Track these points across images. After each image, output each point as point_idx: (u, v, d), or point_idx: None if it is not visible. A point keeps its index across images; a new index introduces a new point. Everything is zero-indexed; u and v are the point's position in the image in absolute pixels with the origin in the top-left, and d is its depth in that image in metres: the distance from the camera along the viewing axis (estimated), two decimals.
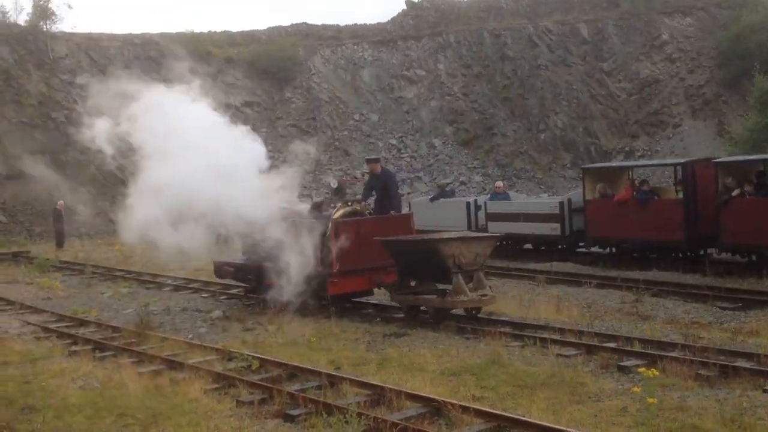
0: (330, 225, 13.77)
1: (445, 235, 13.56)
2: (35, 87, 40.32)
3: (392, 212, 15.04)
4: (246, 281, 15.90)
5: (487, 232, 22.57)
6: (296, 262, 13.68)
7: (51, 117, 39.51)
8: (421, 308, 13.33)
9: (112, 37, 46.22)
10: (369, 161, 16.95)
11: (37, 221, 34.99)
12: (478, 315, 13.06)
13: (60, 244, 29.61)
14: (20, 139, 37.73)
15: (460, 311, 13.18)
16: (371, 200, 15.77)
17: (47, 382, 9.99)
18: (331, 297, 13.95)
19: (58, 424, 8.24)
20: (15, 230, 33.92)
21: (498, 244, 22.16)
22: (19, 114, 38.53)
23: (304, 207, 15.03)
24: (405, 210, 18.56)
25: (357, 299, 14.95)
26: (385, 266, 13.82)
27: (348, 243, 13.53)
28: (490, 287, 13.15)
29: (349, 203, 14.98)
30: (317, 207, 14.95)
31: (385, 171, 16.00)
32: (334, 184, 17.21)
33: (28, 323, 14.35)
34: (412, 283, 13.73)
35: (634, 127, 45.36)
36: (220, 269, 16.27)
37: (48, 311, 15.81)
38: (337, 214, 14.20)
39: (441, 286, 13.21)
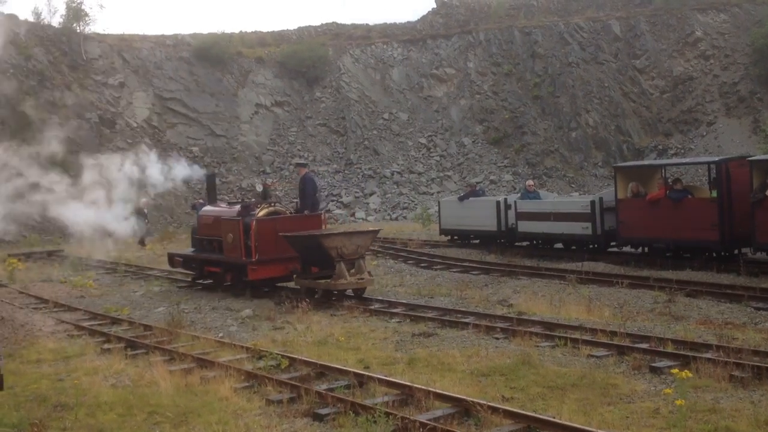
0: (252, 222, 16.29)
1: (328, 231, 16.35)
2: (69, 88, 40.88)
3: (306, 212, 17.20)
4: (192, 269, 18.97)
5: (518, 231, 22.50)
6: (227, 253, 16.93)
7: (85, 117, 40.06)
8: (315, 289, 15.88)
9: (144, 38, 46.74)
10: (296, 165, 19.77)
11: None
12: (363, 295, 15.70)
13: (142, 242, 29.85)
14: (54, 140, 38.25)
15: (350, 293, 15.78)
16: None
17: (80, 379, 10.10)
18: (251, 282, 16.53)
19: (90, 422, 8.33)
20: (49, 229, 34.39)
21: (530, 242, 22.11)
22: (54, 115, 39.09)
23: (237, 208, 17.37)
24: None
25: (280, 284, 17.31)
26: (298, 257, 16.33)
27: (267, 237, 16.18)
28: (369, 272, 15.90)
29: (272, 204, 17.66)
30: (246, 207, 17.13)
31: (303, 176, 18.05)
32: (260, 188, 19.72)
33: (62, 321, 14.52)
34: (315, 270, 16.27)
35: (667, 125, 44.86)
36: (171, 259, 19.80)
37: (81, 309, 16.01)
38: (261, 214, 16.72)
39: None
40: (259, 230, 16.20)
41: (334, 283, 15.26)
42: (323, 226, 17.14)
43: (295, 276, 16.40)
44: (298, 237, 15.79)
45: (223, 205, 19.02)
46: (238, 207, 17.43)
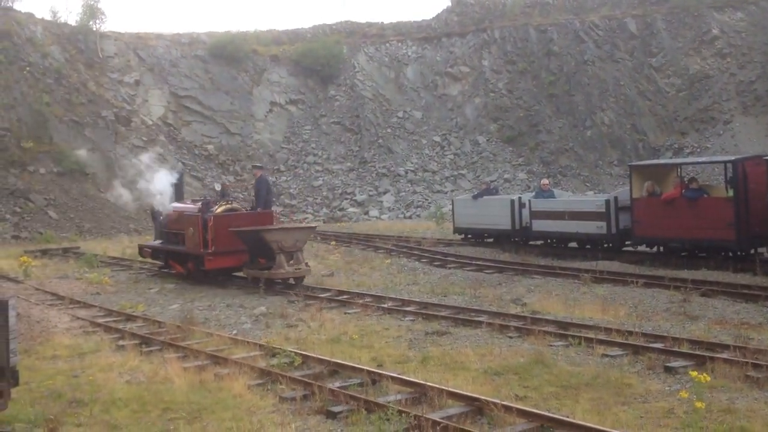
0: (210, 218, 18.18)
1: (269, 226, 17.96)
2: (85, 85, 41.12)
3: (258, 209, 19.03)
4: (159, 259, 21.16)
5: (532, 230, 22.44)
6: (188, 245, 18.90)
7: (101, 115, 40.29)
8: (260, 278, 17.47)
9: (160, 36, 46.96)
10: (253, 167, 22.31)
11: (86, 217, 35.67)
12: (302, 283, 17.54)
13: None
14: (71, 137, 38.53)
15: (292, 281, 17.61)
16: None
17: (95, 376, 10.15)
18: (208, 270, 18.54)
19: (105, 418, 8.38)
20: (65, 226, 34.61)
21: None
22: (70, 112, 39.34)
23: (197, 205, 19.24)
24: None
25: (236, 274, 19.21)
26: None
27: (222, 231, 17.98)
28: (306, 263, 17.85)
29: (229, 202, 19.53)
30: (206, 204, 18.96)
31: (259, 177, 19.78)
32: (218, 187, 21.68)
33: (77, 318, 14.61)
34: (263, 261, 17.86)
35: (683, 123, 44.60)
36: (141, 250, 22.03)
37: (96, 306, 16.09)
38: (218, 210, 18.61)
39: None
40: (216, 225, 18.10)
41: (274, 272, 17.14)
42: (273, 223, 18.95)
43: (244, 267, 18.24)
44: (244, 231, 17.69)
45: (188, 202, 20.93)
46: (199, 204, 19.32)
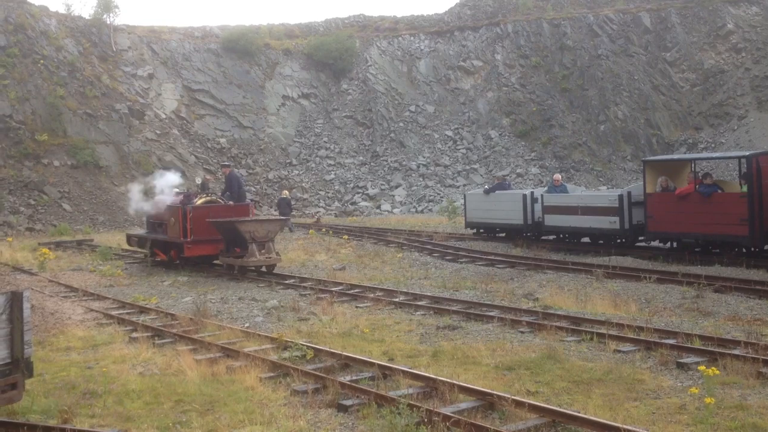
0: (189, 209, 19.51)
1: (243, 218, 19.28)
2: (99, 79, 41.28)
3: (230, 202, 20.54)
4: (144, 247, 22.32)
5: (544, 225, 22.39)
6: (169, 234, 20.37)
7: (114, 108, 40.45)
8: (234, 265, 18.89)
9: (173, 30, 47.08)
10: (222, 165, 24.28)
11: (100, 210, 35.85)
12: (273, 271, 18.93)
13: None
14: (84, 130, 38.70)
15: (264, 269, 19.04)
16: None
17: (108, 367, 10.22)
18: (186, 258, 19.98)
19: (119, 409, 8.44)
20: (79, 219, 34.80)
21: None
22: (84, 105, 39.51)
23: (179, 197, 20.55)
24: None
25: (216, 262, 20.47)
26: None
27: (201, 221, 19.37)
28: (277, 253, 19.07)
29: (208, 195, 20.86)
30: (187, 197, 20.35)
31: (228, 174, 21.63)
32: (199, 181, 23.17)
33: (91, 310, 14.69)
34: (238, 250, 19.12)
35: (697, 118, 44.33)
36: (129, 239, 23.55)
37: (110, 298, 16.18)
38: (198, 202, 19.99)
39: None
40: (195, 216, 19.46)
41: (246, 260, 18.43)
42: (251, 215, 20.36)
43: (220, 255, 19.52)
44: (219, 222, 19.05)
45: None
46: (181, 196, 20.65)
